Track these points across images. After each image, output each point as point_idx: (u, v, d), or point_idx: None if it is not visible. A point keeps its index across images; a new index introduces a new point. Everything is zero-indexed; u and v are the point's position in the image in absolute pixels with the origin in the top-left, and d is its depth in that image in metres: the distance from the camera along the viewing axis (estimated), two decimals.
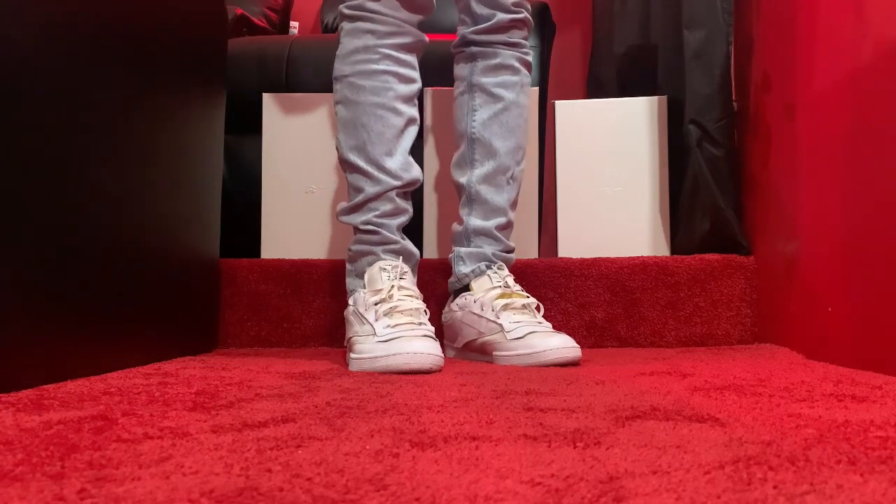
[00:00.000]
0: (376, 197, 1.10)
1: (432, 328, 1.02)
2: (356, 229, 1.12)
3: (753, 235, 1.31)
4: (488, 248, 1.16)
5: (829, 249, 1.02)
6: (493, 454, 0.48)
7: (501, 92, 1.17)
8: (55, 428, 0.57)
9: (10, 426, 0.58)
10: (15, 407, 0.67)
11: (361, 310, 1.04)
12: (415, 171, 1.12)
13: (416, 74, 1.14)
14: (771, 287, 1.24)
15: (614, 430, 0.56)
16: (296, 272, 1.34)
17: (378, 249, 1.10)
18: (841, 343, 0.98)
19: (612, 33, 1.88)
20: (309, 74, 1.56)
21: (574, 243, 1.42)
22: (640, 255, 1.35)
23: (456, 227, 1.20)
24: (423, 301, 1.07)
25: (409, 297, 1.04)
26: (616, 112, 1.45)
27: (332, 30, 2.33)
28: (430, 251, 1.40)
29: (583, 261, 1.32)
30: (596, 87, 2.00)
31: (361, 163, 1.09)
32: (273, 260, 1.36)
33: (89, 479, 0.43)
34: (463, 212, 1.19)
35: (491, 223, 1.17)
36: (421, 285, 1.15)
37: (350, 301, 1.09)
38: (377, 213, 1.10)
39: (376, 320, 1.01)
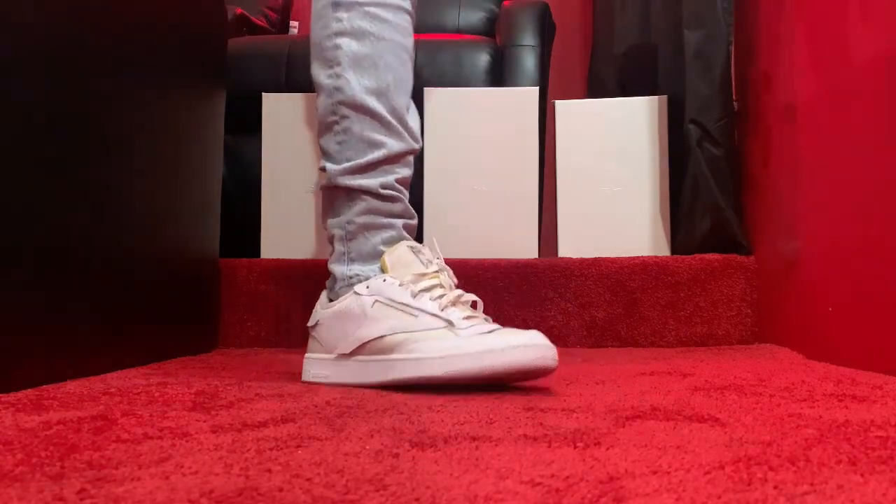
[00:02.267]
0: (400, 157, 0.89)
1: None
2: (360, 194, 0.87)
3: (753, 235, 1.31)
4: None
5: (829, 249, 1.02)
6: (493, 454, 0.48)
7: None
8: (55, 428, 0.57)
9: (10, 426, 0.58)
10: (15, 407, 0.67)
11: (401, 298, 0.81)
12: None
13: None
14: (771, 287, 1.24)
15: (614, 430, 0.55)
16: (296, 272, 1.33)
17: (399, 223, 0.88)
18: (841, 343, 0.98)
19: (612, 33, 1.88)
20: (309, 74, 1.56)
21: (574, 243, 1.42)
22: (640, 255, 1.35)
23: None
24: None
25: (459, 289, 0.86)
26: (616, 112, 1.45)
27: None
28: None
29: (583, 261, 1.32)
30: (596, 87, 2.00)
31: (383, 110, 0.87)
32: (273, 260, 1.36)
33: (89, 479, 0.43)
34: None
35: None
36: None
37: (361, 290, 0.83)
38: (398, 177, 0.88)
39: (442, 310, 0.79)
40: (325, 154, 0.90)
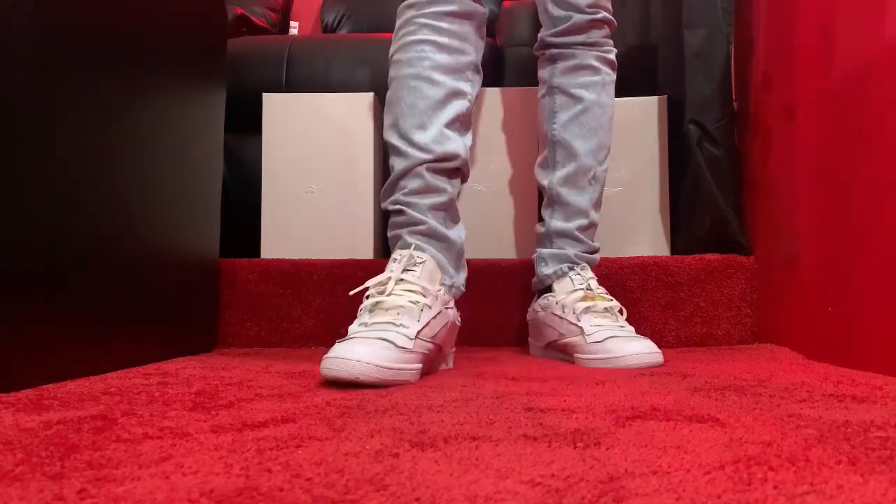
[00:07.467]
0: (405, 174, 1.00)
1: (409, 328, 0.86)
2: (389, 214, 1.02)
3: (753, 235, 1.31)
4: (570, 250, 1.16)
5: (830, 249, 1.02)
6: (493, 454, 0.48)
7: (581, 92, 1.17)
8: (55, 428, 0.57)
9: (10, 426, 0.58)
10: (15, 407, 0.67)
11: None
12: (452, 145, 1.01)
13: (466, 46, 1.04)
14: (771, 287, 1.24)
15: (614, 431, 0.55)
16: (296, 272, 1.33)
17: (404, 232, 0.99)
18: (841, 343, 0.98)
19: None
20: (309, 74, 1.56)
21: None
22: (640, 255, 1.35)
23: (539, 227, 1.21)
24: (454, 290, 1.03)
25: (406, 293, 0.90)
26: (616, 112, 1.44)
27: (332, 30, 2.33)
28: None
29: None
30: None
31: (394, 140, 1.00)
32: (273, 260, 1.36)
33: (89, 479, 0.43)
34: (545, 213, 1.19)
35: (572, 224, 1.17)
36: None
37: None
38: (405, 191, 1.00)
39: (359, 316, 0.89)
40: None
